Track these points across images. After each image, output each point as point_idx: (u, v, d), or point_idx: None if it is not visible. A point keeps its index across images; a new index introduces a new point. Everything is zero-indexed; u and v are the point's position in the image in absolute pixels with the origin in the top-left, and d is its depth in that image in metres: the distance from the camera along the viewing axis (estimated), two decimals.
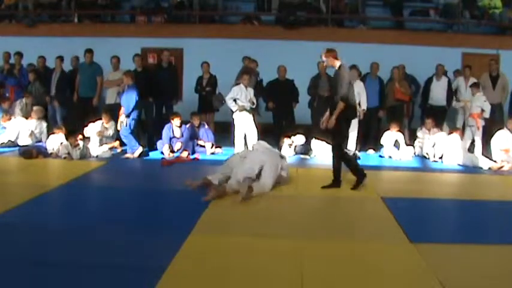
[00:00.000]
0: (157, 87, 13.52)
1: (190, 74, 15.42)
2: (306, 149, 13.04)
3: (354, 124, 13.05)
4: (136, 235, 6.69)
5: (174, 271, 5.44)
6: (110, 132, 12.97)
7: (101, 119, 13.00)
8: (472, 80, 14.55)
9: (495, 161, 12.52)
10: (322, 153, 12.90)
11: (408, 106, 14.69)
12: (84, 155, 11.98)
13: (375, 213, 8.20)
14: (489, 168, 12.17)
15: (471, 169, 12.18)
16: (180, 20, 17.78)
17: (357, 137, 13.28)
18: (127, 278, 5.30)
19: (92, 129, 12.69)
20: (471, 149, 13.48)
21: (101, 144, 12.68)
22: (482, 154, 13.01)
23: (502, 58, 16.39)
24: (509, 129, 12.90)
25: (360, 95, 13.12)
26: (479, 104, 13.69)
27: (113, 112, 13.13)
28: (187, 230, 6.76)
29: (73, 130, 12.48)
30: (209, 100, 14.22)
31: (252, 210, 8.16)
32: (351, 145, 13.15)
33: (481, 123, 13.66)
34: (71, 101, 14.57)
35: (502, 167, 12.20)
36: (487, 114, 13.77)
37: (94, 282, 5.21)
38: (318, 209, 8.52)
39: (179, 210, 8.05)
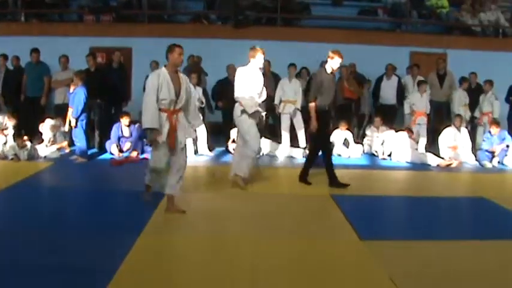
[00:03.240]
0: (107, 88, 13.30)
1: (139, 73, 15.22)
2: None
3: (300, 122, 13.16)
4: (86, 236, 6.58)
5: (125, 272, 5.39)
6: (64, 128, 12.71)
7: (50, 117, 12.80)
8: (420, 78, 14.73)
9: (443, 158, 12.67)
10: (271, 151, 12.93)
11: (357, 105, 14.76)
12: (32, 156, 11.78)
13: (325, 211, 8.25)
14: (437, 165, 12.31)
15: (419, 166, 12.32)
16: (129, 19, 17.58)
17: (305, 135, 13.35)
18: (78, 280, 5.23)
19: (47, 126, 12.52)
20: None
21: (54, 140, 12.50)
22: (430, 151, 13.16)
23: (449, 57, 16.62)
24: (456, 127, 13.09)
25: (297, 93, 13.29)
26: (427, 101, 13.90)
27: (62, 112, 12.92)
28: (138, 231, 6.69)
29: (20, 131, 12.28)
30: None
31: (202, 209, 8.14)
32: (301, 143, 13.19)
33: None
34: (18, 101, 14.26)
35: (450, 164, 12.35)
36: (428, 111, 14.05)
37: (45, 284, 5.12)
38: (268, 207, 8.41)
39: (129, 211, 7.94)
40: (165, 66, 7.56)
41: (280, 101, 13.32)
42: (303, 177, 9.97)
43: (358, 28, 17.54)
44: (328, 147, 10.17)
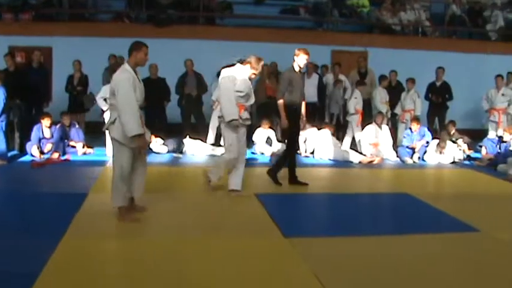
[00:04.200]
0: (27, 88, 12.96)
1: (60, 73, 14.94)
2: (178, 148, 12.90)
3: None
4: (7, 240, 6.35)
5: (47, 276, 5.25)
6: None
7: None
8: (342, 76, 14.97)
9: (364, 155, 12.85)
10: (195, 151, 12.87)
11: None
12: None
13: (249, 209, 8.21)
14: (359, 162, 12.48)
15: (342, 163, 12.46)
16: (49, 18, 17.23)
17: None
18: None
19: None
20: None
21: None
22: (352, 148, 13.37)
23: (370, 55, 16.92)
24: (377, 124, 13.29)
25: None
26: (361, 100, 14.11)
27: None
28: (59, 234, 6.49)
29: None
30: (80, 100, 13.87)
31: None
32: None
33: None
34: None
35: (372, 161, 12.54)
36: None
37: None
38: (193, 207, 8.33)
39: (51, 214, 7.71)
40: (127, 62, 7.24)
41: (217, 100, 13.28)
42: (274, 176, 9.96)
43: (280, 27, 17.66)
44: (294, 146, 10.26)
